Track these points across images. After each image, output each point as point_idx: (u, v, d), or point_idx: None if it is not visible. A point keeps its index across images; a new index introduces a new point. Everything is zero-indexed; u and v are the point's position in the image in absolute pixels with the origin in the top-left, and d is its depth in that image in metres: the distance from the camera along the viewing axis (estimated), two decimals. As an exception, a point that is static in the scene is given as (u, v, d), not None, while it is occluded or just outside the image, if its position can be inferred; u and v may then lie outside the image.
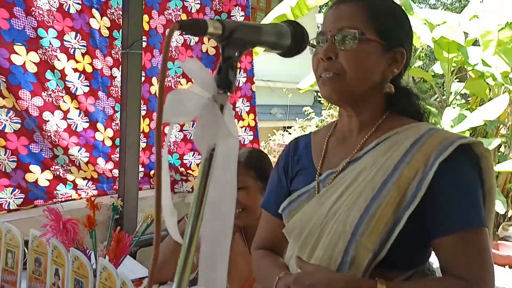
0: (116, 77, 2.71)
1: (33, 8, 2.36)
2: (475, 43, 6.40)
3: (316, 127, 7.76)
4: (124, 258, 1.38)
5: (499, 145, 6.29)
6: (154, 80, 2.94)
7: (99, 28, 2.63)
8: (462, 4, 9.33)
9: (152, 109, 2.92)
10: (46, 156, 2.52)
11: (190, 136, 3.13)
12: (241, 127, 3.39)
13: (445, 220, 0.91)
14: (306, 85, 6.76)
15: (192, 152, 3.16)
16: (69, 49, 2.52)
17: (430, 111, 1.08)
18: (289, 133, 8.28)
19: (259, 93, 4.17)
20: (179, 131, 3.09)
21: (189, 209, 0.64)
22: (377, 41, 0.98)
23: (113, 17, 2.67)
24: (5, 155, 2.36)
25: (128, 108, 2.53)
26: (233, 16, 3.22)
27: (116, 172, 2.74)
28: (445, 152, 0.91)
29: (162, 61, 0.50)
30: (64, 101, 2.54)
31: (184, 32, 0.54)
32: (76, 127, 2.61)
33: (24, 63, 2.37)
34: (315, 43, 1.02)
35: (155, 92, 2.92)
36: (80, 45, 2.56)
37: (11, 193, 2.39)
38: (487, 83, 6.20)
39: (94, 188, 2.72)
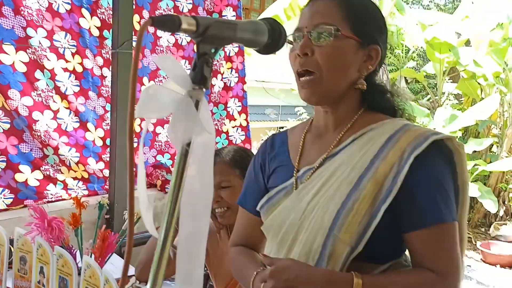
0: (106, 76, 2.71)
1: (22, 8, 2.36)
2: (467, 43, 6.45)
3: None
4: (111, 257, 1.39)
5: (491, 145, 6.34)
6: (145, 79, 2.94)
7: (89, 28, 2.62)
8: (455, 5, 9.38)
9: (143, 108, 2.91)
10: (36, 156, 2.51)
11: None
12: (233, 127, 3.39)
13: (418, 214, 0.94)
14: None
15: (184, 152, 3.16)
16: (59, 48, 2.51)
17: (405, 107, 1.10)
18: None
19: (253, 94, 4.18)
20: (170, 131, 3.09)
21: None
22: (353, 38, 0.99)
23: (104, 16, 2.67)
24: (-6, 155, 2.35)
25: (119, 108, 2.53)
26: (224, 16, 3.22)
27: (107, 172, 2.73)
28: (420, 147, 0.94)
29: (134, 56, 0.50)
30: (54, 101, 2.54)
31: (157, 28, 0.55)
32: (66, 127, 2.60)
33: (13, 62, 2.36)
34: (292, 39, 1.03)
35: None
36: (70, 45, 2.56)
37: (0, 193, 2.38)
38: (479, 83, 6.25)
39: (85, 188, 2.71)
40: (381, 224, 0.93)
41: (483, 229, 5.95)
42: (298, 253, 0.98)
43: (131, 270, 1.73)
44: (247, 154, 1.63)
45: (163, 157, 3.11)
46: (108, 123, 2.70)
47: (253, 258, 1.11)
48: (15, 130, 2.42)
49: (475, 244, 5.50)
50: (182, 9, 3.02)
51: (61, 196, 2.60)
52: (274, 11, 5.97)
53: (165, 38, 3.00)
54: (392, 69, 8.03)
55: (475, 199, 5.78)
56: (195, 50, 0.60)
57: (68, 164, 2.63)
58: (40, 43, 2.44)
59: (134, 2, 2.68)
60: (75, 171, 2.67)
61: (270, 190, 1.10)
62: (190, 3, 3.04)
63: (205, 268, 1.77)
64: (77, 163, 2.67)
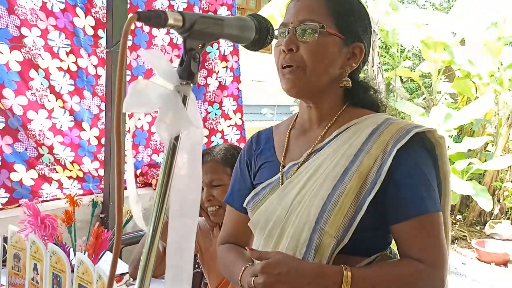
0: (101, 76, 2.71)
1: (16, 7, 2.36)
2: (462, 42, 6.47)
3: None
4: (104, 254, 1.39)
5: (486, 144, 6.36)
6: (140, 78, 2.94)
7: (84, 27, 2.63)
8: (451, 4, 9.42)
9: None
10: (31, 155, 2.52)
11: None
12: (228, 126, 3.40)
13: (403, 206, 0.95)
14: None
15: (179, 151, 3.17)
16: (53, 47, 2.52)
17: (387, 103, 1.12)
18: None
19: (248, 93, 4.18)
20: (165, 130, 3.10)
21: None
22: (337, 35, 1.01)
23: (98, 15, 2.67)
24: (-11, 154, 2.35)
25: (113, 107, 2.53)
26: (219, 15, 3.23)
27: (102, 171, 2.74)
28: (402, 140, 0.95)
29: (120, 52, 0.51)
30: (48, 100, 2.54)
31: (143, 23, 0.56)
32: (61, 126, 2.61)
33: (8, 62, 2.36)
34: (277, 34, 1.04)
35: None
36: (64, 44, 2.56)
37: (-5, 192, 2.38)
38: (474, 82, 6.28)
39: (80, 187, 2.72)
40: (367, 216, 0.94)
41: (478, 228, 5.97)
42: (285, 247, 0.99)
43: (125, 267, 1.74)
44: (238, 152, 1.63)
45: (158, 156, 3.12)
46: (103, 122, 2.70)
47: (241, 254, 1.12)
48: (10, 129, 2.42)
49: (470, 243, 5.52)
50: (177, 8, 3.02)
51: (56, 195, 2.61)
52: (270, 10, 5.99)
53: (160, 37, 3.01)
54: (388, 69, 8.05)
55: (470, 197, 5.80)
56: (183, 46, 0.61)
57: (63, 163, 2.64)
58: (34, 42, 2.44)
59: (128, 1, 2.68)
60: (70, 170, 2.68)
61: (256, 186, 1.11)
62: (185, 2, 3.05)
63: (199, 266, 1.78)
64: (72, 162, 2.67)
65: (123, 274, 1.68)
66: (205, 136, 3.28)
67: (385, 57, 7.86)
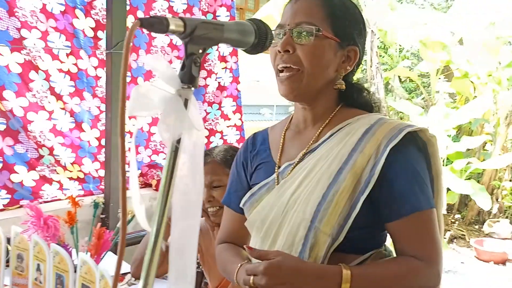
0: (101, 77, 2.73)
1: (16, 9, 2.38)
2: (461, 42, 6.48)
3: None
4: (106, 254, 1.41)
5: (484, 143, 6.39)
6: (140, 80, 2.96)
7: (83, 29, 2.64)
8: (449, 4, 9.44)
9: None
10: (31, 157, 2.53)
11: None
12: (227, 127, 3.41)
13: (398, 204, 0.97)
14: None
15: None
16: (53, 49, 2.53)
17: (381, 103, 1.14)
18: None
19: (247, 93, 4.19)
20: (165, 130, 3.11)
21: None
22: (333, 39, 1.03)
23: (98, 17, 2.69)
24: (-10, 155, 2.37)
25: (114, 108, 2.55)
26: (218, 16, 3.25)
27: (102, 172, 2.75)
28: (395, 139, 0.98)
29: (124, 58, 0.53)
30: (49, 102, 2.56)
31: (146, 30, 0.57)
32: (61, 128, 2.62)
33: (8, 64, 2.38)
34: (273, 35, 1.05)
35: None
36: (64, 46, 2.57)
37: (-3, 194, 2.40)
38: (472, 81, 6.30)
39: (80, 188, 2.74)
40: (361, 214, 0.96)
41: (476, 227, 6.00)
42: (281, 246, 1.01)
43: (127, 267, 1.75)
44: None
45: (158, 156, 3.13)
46: (103, 124, 2.72)
47: (238, 253, 1.14)
48: (11, 130, 2.44)
49: (469, 241, 5.54)
50: (177, 9, 3.04)
51: (56, 196, 2.62)
52: (268, 11, 6.00)
53: (160, 38, 3.02)
54: (386, 68, 8.07)
55: (468, 196, 5.82)
56: (184, 50, 0.63)
57: (63, 165, 2.65)
58: (34, 44, 2.46)
59: (128, 3, 2.70)
60: (70, 171, 2.69)
61: (253, 187, 1.13)
62: (184, 4, 3.06)
63: (199, 266, 1.80)
64: (72, 164, 2.69)
65: (124, 274, 1.70)
66: (205, 136, 3.30)
67: (383, 57, 7.88)
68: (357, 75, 1.15)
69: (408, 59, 8.44)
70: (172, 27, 0.60)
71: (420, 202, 0.97)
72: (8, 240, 1.34)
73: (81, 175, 2.74)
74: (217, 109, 3.34)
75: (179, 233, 0.69)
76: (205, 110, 3.29)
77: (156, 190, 3.05)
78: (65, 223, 1.36)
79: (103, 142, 2.74)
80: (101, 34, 2.70)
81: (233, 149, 1.68)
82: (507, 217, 5.87)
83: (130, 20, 2.74)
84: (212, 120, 3.32)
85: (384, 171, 0.96)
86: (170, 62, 3.03)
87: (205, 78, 3.23)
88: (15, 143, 2.46)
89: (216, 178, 1.58)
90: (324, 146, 1.05)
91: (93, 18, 2.67)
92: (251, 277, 0.92)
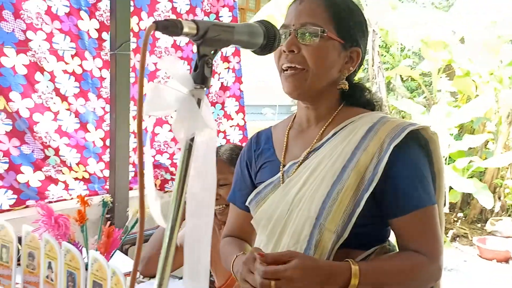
0: (106, 78, 2.75)
1: (22, 11, 2.40)
2: (462, 41, 6.49)
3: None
4: (114, 253, 1.43)
5: (486, 142, 6.40)
6: (144, 80, 2.97)
7: (88, 30, 2.66)
8: (450, 3, 9.45)
9: (142, 109, 2.95)
10: (37, 157, 2.55)
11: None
12: (230, 127, 3.43)
13: (401, 201, 1.00)
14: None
15: (182, 152, 3.20)
16: (58, 51, 2.55)
17: (382, 102, 1.17)
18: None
19: (251, 93, 4.21)
20: (169, 131, 3.13)
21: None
22: (337, 40, 1.05)
23: (102, 18, 2.71)
24: (-3, 156, 2.39)
25: (118, 108, 2.57)
26: (221, 16, 3.27)
27: (107, 172, 2.78)
28: (398, 138, 1.00)
29: (140, 61, 0.55)
30: (54, 103, 2.58)
31: (161, 33, 0.59)
32: (66, 128, 2.65)
33: (14, 65, 2.40)
34: None
35: (145, 94, 2.96)
36: (69, 47, 2.60)
37: (4, 194, 2.42)
38: (474, 80, 6.31)
39: (86, 188, 2.76)
40: (365, 211, 0.98)
41: (479, 225, 6.01)
42: (286, 244, 1.03)
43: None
44: None
45: (161, 156, 3.15)
46: (108, 124, 2.74)
47: (240, 246, 1.17)
48: (17, 131, 2.46)
49: (471, 240, 5.55)
50: (180, 10, 3.06)
51: (62, 197, 2.64)
52: (269, 11, 6.02)
53: (164, 39, 3.04)
54: (388, 68, 8.09)
55: (471, 195, 5.83)
56: (196, 52, 0.65)
57: (69, 165, 2.67)
58: (39, 45, 2.48)
59: (132, 4, 2.72)
60: (75, 172, 2.71)
61: (258, 185, 1.15)
62: (188, 4, 3.08)
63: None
64: (77, 164, 2.71)
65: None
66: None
67: (385, 56, 7.89)
68: (359, 75, 1.18)
69: (409, 58, 8.45)
70: (185, 29, 0.62)
71: (423, 199, 1.00)
72: (19, 239, 1.36)
73: (86, 175, 2.76)
74: (220, 109, 3.36)
75: (193, 230, 0.71)
76: (208, 110, 3.30)
77: (160, 190, 3.08)
78: (75, 221, 1.38)
79: (107, 142, 2.76)
80: (106, 35, 2.72)
81: (239, 148, 1.70)
82: (509, 215, 5.88)
83: (134, 21, 2.76)
84: (215, 120, 3.34)
85: (387, 169, 0.99)
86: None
87: (208, 78, 3.24)
88: (21, 144, 2.48)
89: (222, 176, 1.61)
90: (328, 144, 1.07)
91: (98, 20, 2.69)
92: (272, 282, 0.89)
